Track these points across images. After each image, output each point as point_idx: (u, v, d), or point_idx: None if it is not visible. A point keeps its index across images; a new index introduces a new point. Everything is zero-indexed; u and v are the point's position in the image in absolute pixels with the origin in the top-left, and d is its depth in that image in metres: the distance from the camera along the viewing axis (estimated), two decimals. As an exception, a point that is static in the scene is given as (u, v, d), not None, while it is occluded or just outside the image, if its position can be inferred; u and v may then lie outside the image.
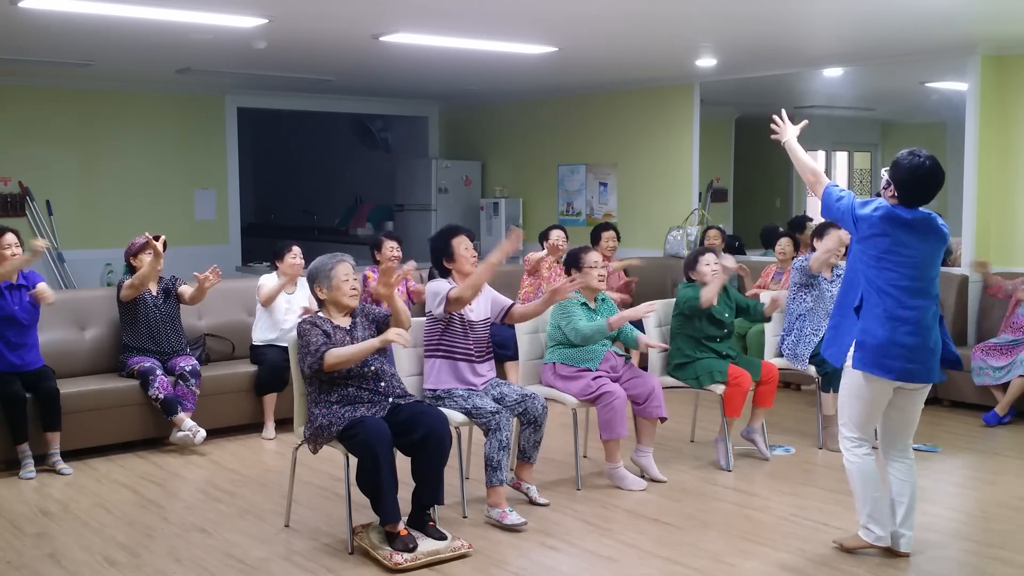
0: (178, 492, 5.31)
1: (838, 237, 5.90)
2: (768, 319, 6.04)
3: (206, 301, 6.58)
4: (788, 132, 4.49)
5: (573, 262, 5.44)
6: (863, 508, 4.18)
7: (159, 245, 5.95)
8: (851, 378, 4.10)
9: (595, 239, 8.05)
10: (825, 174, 4.43)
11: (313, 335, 4.33)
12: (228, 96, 10.73)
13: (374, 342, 4.35)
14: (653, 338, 5.76)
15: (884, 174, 4.09)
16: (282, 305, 6.50)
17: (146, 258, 6.07)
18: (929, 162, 3.94)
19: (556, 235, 7.72)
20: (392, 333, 4.32)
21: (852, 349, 4.04)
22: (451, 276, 4.96)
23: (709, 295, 5.48)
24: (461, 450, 4.92)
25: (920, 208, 4.00)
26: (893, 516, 4.20)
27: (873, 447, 4.24)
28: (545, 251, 7.58)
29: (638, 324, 5.91)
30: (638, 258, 8.36)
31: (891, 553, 4.20)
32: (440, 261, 4.98)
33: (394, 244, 6.96)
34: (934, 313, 4.04)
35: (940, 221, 4.06)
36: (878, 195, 4.16)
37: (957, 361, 4.13)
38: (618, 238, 8.21)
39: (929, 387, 4.16)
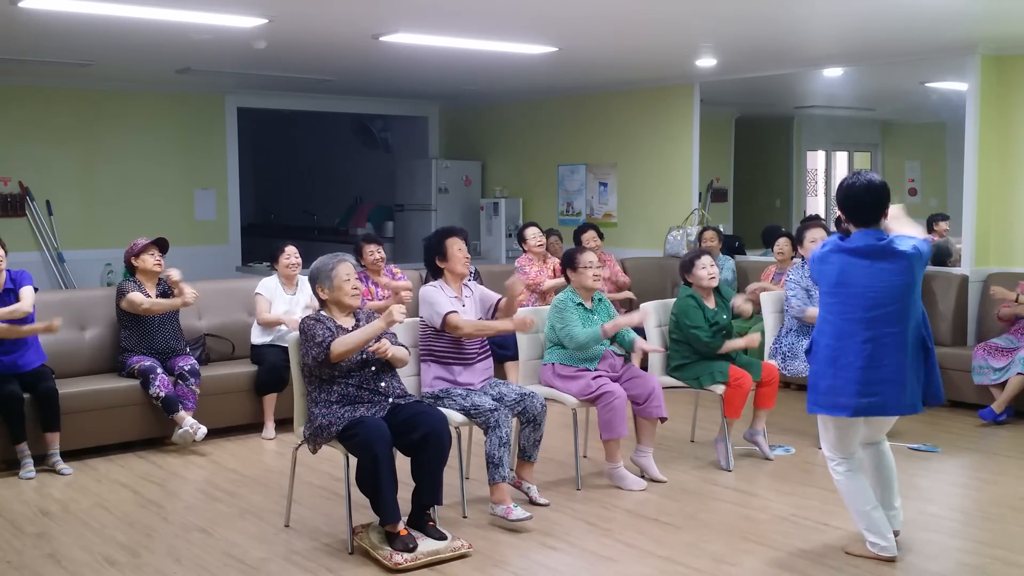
0: (178, 492, 5.31)
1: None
2: (746, 316, 5.98)
3: (206, 301, 6.60)
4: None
5: (568, 263, 5.45)
6: (859, 523, 4.20)
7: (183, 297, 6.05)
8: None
9: (577, 241, 8.04)
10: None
11: (318, 329, 4.35)
12: (228, 96, 10.73)
13: (378, 323, 4.35)
14: (653, 339, 5.76)
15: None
16: (281, 308, 6.50)
17: (149, 260, 6.07)
18: (862, 180, 3.97)
19: (532, 232, 7.83)
20: (396, 313, 4.31)
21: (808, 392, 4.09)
22: (443, 275, 4.97)
23: (731, 349, 5.54)
24: (461, 450, 4.93)
25: (875, 231, 3.97)
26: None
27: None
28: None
29: (638, 327, 5.91)
30: (630, 258, 8.36)
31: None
32: (433, 260, 4.98)
33: (374, 247, 6.94)
34: (899, 343, 3.95)
35: (899, 245, 3.95)
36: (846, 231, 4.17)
37: (938, 396, 4.08)
38: (600, 236, 8.20)
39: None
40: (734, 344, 5.56)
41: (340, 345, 4.29)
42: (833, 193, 10.91)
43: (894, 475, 4.30)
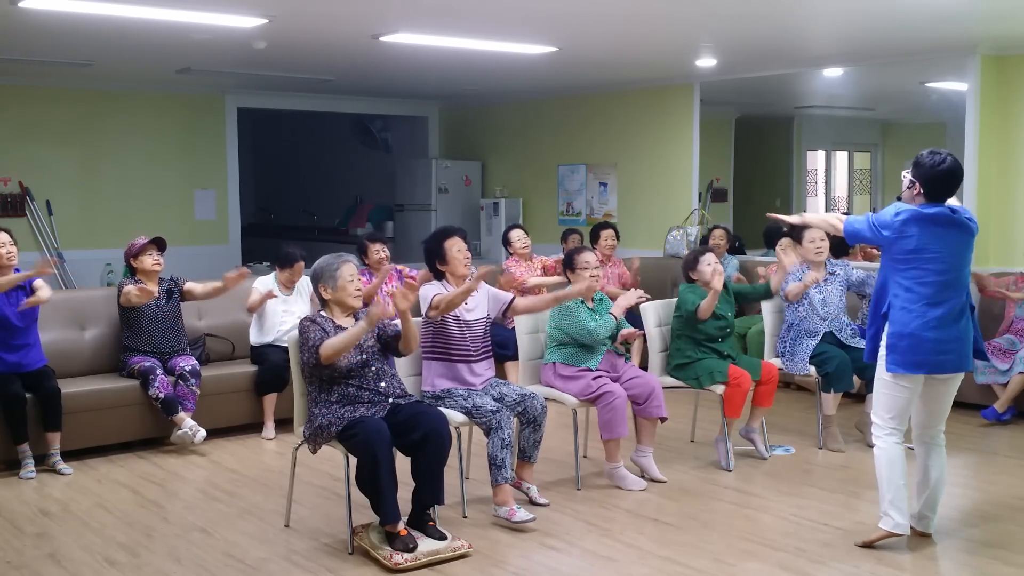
0: (178, 492, 5.31)
1: (791, 253, 6.01)
2: (776, 293, 5.97)
3: (206, 301, 6.60)
4: (793, 219, 4.76)
5: (567, 264, 5.46)
6: (886, 494, 4.28)
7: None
8: (883, 373, 4.29)
9: (594, 238, 8.15)
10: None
11: (312, 331, 4.34)
12: (228, 96, 10.72)
13: (362, 324, 4.30)
14: (653, 338, 5.77)
15: (905, 176, 4.28)
16: (279, 308, 6.50)
17: (148, 260, 6.08)
18: (949, 159, 4.18)
19: (516, 235, 7.86)
20: (377, 307, 4.27)
21: (884, 351, 4.24)
22: (444, 278, 4.97)
23: (706, 307, 5.50)
24: (461, 450, 4.93)
25: (943, 204, 4.19)
26: (919, 498, 4.41)
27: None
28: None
29: (637, 322, 5.92)
30: (637, 258, 8.38)
31: (914, 533, 4.39)
32: (433, 263, 4.98)
33: (379, 247, 6.94)
34: (963, 304, 4.21)
35: (966, 214, 4.23)
36: (898, 198, 4.36)
37: (983, 353, 4.38)
38: (617, 237, 8.25)
39: (961, 376, 4.34)
40: (706, 303, 5.51)
41: (328, 348, 4.28)
42: (834, 193, 10.96)
43: (944, 480, 4.44)
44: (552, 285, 7.43)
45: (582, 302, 5.34)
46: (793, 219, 4.71)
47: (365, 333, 4.34)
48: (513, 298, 5.14)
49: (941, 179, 4.15)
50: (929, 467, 4.40)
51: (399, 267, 7.21)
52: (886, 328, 4.22)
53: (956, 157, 4.20)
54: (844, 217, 4.46)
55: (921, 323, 4.13)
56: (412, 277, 6.84)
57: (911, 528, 4.45)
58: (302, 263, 6.59)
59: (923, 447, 4.43)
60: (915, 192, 4.22)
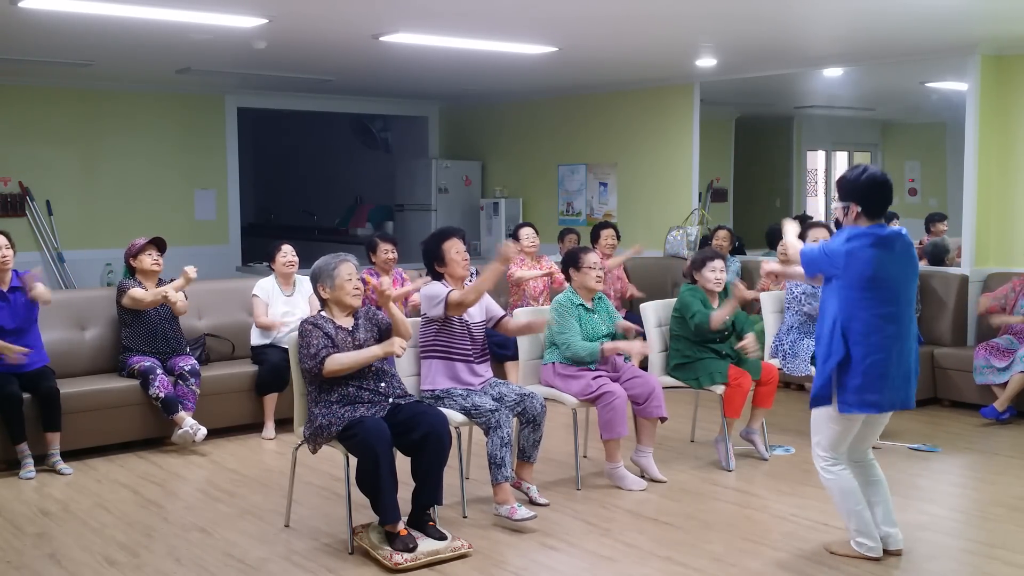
0: (178, 492, 5.31)
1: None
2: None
3: (206, 301, 6.60)
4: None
5: (572, 263, 5.45)
6: (849, 523, 4.17)
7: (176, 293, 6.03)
8: (826, 408, 4.07)
9: (595, 238, 8.14)
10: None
11: (314, 337, 4.34)
12: (228, 96, 10.72)
13: (376, 350, 4.38)
14: (653, 338, 5.77)
15: (837, 207, 4.05)
16: (281, 310, 6.50)
17: (147, 260, 6.08)
18: (879, 171, 3.99)
19: (525, 233, 7.86)
20: (396, 345, 4.36)
21: (834, 390, 4.00)
22: (443, 279, 4.97)
23: (719, 320, 5.46)
24: (461, 450, 4.93)
25: (884, 223, 4.01)
26: (873, 518, 4.19)
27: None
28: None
29: (637, 321, 5.92)
30: (634, 248, 8.32)
31: (885, 553, 4.19)
32: (432, 264, 4.99)
33: (389, 247, 6.95)
34: (911, 335, 4.02)
35: (911, 241, 4.05)
36: (837, 223, 4.14)
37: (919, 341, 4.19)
38: (618, 237, 8.26)
39: None
40: (721, 314, 5.46)
41: (336, 363, 4.29)
42: (833, 193, 10.96)
43: (888, 492, 4.25)
44: (536, 278, 7.53)
45: (580, 303, 5.35)
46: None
47: (376, 359, 4.39)
48: (504, 316, 5.14)
49: (879, 188, 3.94)
50: (870, 484, 4.19)
51: (400, 269, 7.21)
52: (847, 365, 3.93)
53: (885, 172, 4.00)
54: (800, 245, 4.20)
55: (871, 363, 3.89)
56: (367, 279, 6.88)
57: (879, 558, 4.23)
58: (288, 244, 6.61)
59: (856, 466, 4.20)
60: (854, 215, 3.97)
